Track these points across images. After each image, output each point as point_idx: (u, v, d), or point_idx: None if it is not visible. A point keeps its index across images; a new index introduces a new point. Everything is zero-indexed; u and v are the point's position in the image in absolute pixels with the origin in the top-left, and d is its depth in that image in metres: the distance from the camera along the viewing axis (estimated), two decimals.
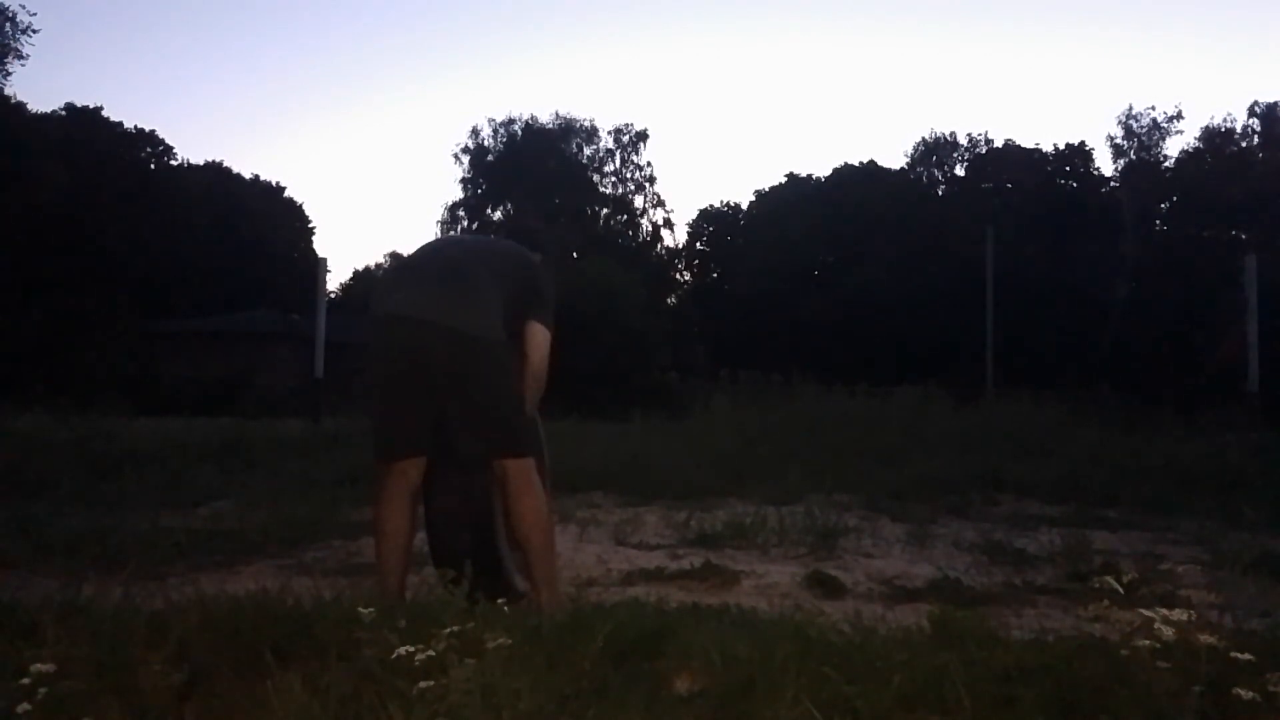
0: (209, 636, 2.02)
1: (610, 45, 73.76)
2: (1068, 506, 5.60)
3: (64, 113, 34.18)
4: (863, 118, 75.78)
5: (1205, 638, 1.75)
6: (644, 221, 45.24)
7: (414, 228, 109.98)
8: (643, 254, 42.31)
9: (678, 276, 47.22)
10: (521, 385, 2.94)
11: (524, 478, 2.78)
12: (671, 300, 44.13)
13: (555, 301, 3.12)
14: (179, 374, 23.76)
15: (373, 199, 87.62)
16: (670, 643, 2.04)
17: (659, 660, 1.97)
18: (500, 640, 1.83)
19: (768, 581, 3.54)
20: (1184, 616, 1.83)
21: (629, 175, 44.83)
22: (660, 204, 45.54)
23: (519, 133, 43.64)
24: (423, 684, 1.70)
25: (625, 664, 1.95)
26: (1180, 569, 3.63)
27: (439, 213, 46.92)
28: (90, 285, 28.83)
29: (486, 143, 44.06)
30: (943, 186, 44.15)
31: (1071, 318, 32.71)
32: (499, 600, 2.12)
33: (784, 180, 45.53)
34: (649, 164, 44.89)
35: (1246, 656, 1.72)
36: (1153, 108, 39.44)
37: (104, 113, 35.20)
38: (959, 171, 44.40)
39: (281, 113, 79.76)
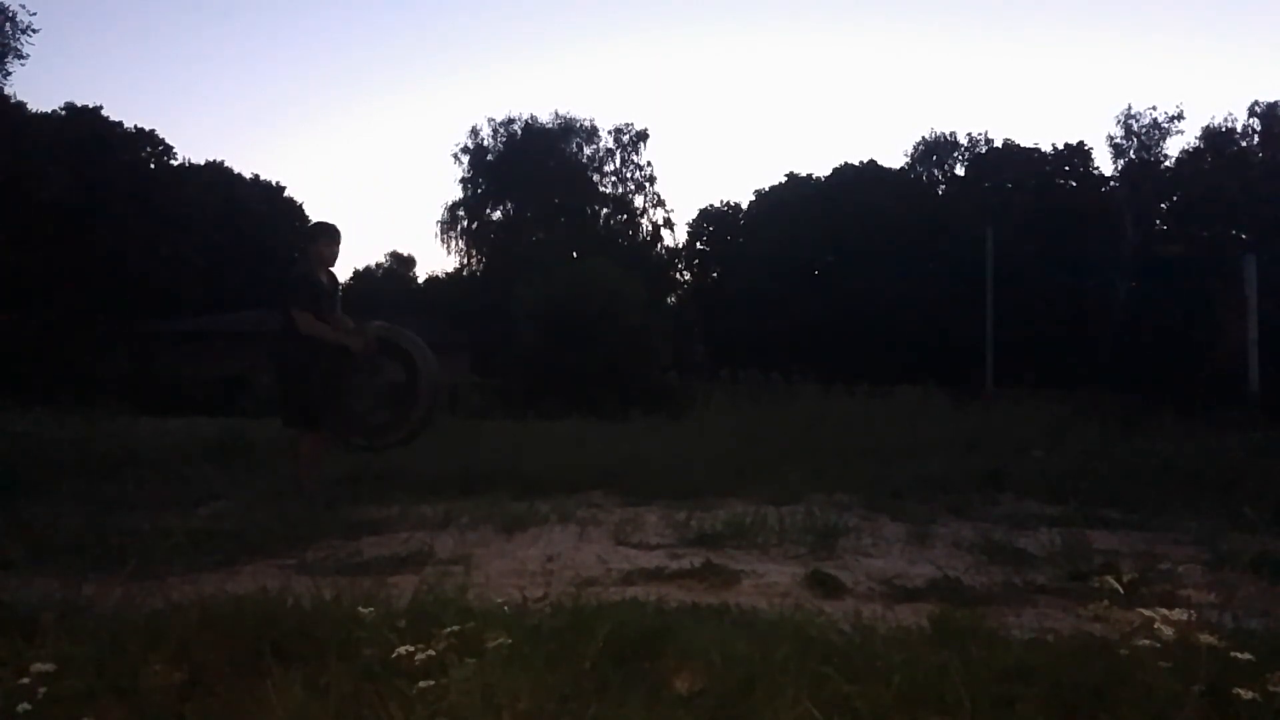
0: (209, 636, 2.02)
1: (610, 45, 73.86)
2: (1068, 506, 5.58)
3: (64, 112, 34.12)
4: (863, 118, 75.93)
5: (1205, 638, 1.75)
6: (644, 221, 45.23)
7: (414, 228, 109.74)
8: (643, 254, 42.23)
9: (678, 276, 47.19)
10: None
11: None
12: (671, 300, 44.10)
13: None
14: (179, 374, 23.74)
15: (373, 199, 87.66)
16: (670, 643, 2.03)
17: (659, 660, 1.97)
18: (500, 640, 1.83)
19: (768, 581, 3.53)
20: (1184, 616, 1.83)
21: (629, 175, 44.81)
22: (660, 204, 45.50)
23: (519, 133, 43.60)
24: (423, 684, 1.70)
25: (625, 664, 1.95)
26: (1180, 569, 3.64)
27: (439, 213, 46.93)
28: (91, 285, 28.81)
29: (486, 143, 44.05)
30: (943, 186, 44.14)
31: (1071, 318, 32.67)
32: None
33: (784, 180, 45.54)
34: (649, 164, 44.88)
35: (1246, 656, 1.72)
36: (1153, 108, 39.54)
37: (104, 112, 35.16)
38: (959, 171, 44.41)
39: (281, 113, 79.88)
